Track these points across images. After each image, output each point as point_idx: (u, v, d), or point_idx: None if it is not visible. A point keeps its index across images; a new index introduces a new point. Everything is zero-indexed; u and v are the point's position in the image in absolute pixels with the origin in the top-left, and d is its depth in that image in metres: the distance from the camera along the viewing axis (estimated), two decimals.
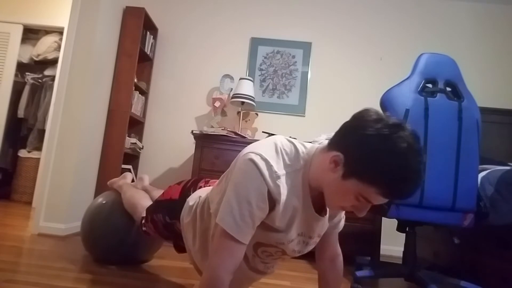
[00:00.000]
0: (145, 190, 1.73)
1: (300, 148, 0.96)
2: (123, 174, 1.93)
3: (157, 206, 1.36)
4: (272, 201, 0.90)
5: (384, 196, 0.83)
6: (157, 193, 1.59)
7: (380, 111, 0.88)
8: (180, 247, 1.39)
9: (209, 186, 1.29)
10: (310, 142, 1.03)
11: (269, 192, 0.88)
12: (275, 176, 0.88)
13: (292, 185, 0.92)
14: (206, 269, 0.88)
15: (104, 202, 1.73)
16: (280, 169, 0.90)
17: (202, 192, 1.22)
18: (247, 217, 0.86)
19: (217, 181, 1.11)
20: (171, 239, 1.40)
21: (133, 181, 1.94)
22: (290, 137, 1.03)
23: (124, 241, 1.65)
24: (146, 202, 1.52)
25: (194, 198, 1.21)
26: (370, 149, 0.81)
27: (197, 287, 1.50)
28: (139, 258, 1.75)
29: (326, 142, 0.98)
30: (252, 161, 0.88)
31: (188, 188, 1.30)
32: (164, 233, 1.35)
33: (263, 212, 0.89)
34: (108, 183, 1.94)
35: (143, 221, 1.40)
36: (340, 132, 0.91)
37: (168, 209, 1.29)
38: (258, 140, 2.70)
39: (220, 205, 0.92)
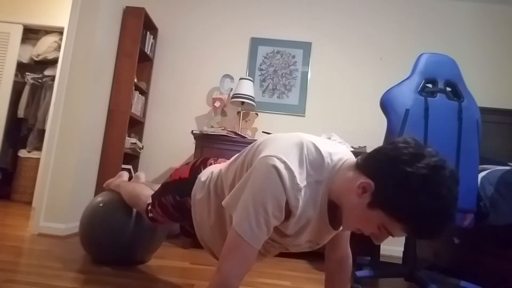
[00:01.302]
0: None
1: (326, 159, 0.91)
2: (118, 174, 1.93)
3: (166, 188, 1.35)
4: (288, 212, 0.88)
5: (409, 234, 0.81)
6: (157, 187, 1.59)
7: (419, 141, 0.84)
8: (187, 232, 1.38)
9: (219, 163, 1.28)
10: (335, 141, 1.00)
11: (287, 203, 0.86)
12: (296, 189, 0.85)
13: (311, 196, 0.89)
14: (217, 274, 0.86)
15: (100, 203, 1.71)
16: (302, 180, 0.87)
17: (213, 168, 1.21)
18: (262, 224, 0.85)
19: (232, 158, 1.10)
20: (181, 221, 1.38)
21: (129, 179, 1.93)
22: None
23: (119, 242, 1.64)
24: (149, 191, 1.51)
25: (206, 174, 1.20)
26: (407, 188, 0.77)
27: (197, 287, 1.50)
28: (136, 258, 1.74)
29: (351, 155, 0.96)
30: (275, 168, 0.84)
31: (198, 166, 1.29)
32: (174, 215, 1.33)
33: (278, 221, 0.88)
34: (104, 185, 1.92)
35: (149, 208, 1.40)
36: (374, 158, 0.86)
37: (178, 188, 1.28)
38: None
39: (232, 199, 0.91)
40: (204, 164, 1.29)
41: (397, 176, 0.78)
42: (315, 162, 0.90)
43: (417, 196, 0.76)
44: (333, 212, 0.93)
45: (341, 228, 1.03)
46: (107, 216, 1.67)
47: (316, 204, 0.91)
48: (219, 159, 1.32)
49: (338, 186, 0.89)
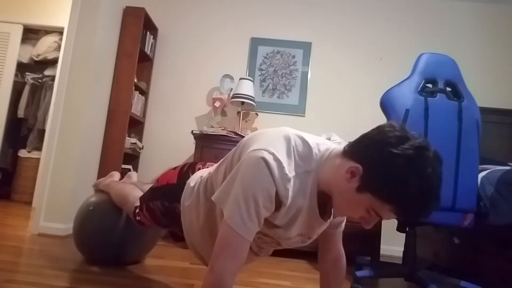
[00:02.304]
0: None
1: (314, 149, 0.93)
2: (110, 173, 1.89)
3: (154, 193, 1.33)
4: (278, 202, 0.89)
5: (397, 215, 0.83)
6: (148, 186, 1.53)
7: (404, 126, 0.87)
8: (177, 236, 1.36)
9: (207, 168, 1.26)
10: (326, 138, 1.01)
11: (276, 194, 0.87)
12: (285, 179, 0.87)
13: (300, 187, 0.90)
14: (210, 272, 0.85)
15: (89, 206, 1.70)
16: (291, 171, 0.88)
17: (202, 173, 1.20)
18: (253, 215, 0.85)
19: (221, 160, 1.09)
20: (169, 227, 1.36)
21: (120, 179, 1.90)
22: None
23: (110, 242, 1.63)
24: (138, 192, 1.48)
25: (195, 179, 1.19)
26: (394, 169, 0.79)
27: (197, 287, 1.50)
28: (128, 258, 1.72)
29: (339, 144, 0.97)
30: (264, 160, 0.85)
31: (185, 172, 1.28)
32: (162, 221, 1.31)
33: (268, 212, 0.89)
34: (93, 184, 1.89)
35: (137, 211, 1.36)
36: (361, 143, 0.88)
37: (166, 194, 1.26)
38: None
39: (222, 193, 0.91)
40: (193, 169, 1.28)
41: (384, 158, 0.81)
42: (303, 153, 0.92)
43: (403, 176, 0.79)
44: (323, 203, 0.95)
45: (331, 218, 1.04)
46: (97, 218, 1.65)
47: (305, 194, 0.92)
48: (207, 164, 1.30)
49: (327, 174, 0.91)
